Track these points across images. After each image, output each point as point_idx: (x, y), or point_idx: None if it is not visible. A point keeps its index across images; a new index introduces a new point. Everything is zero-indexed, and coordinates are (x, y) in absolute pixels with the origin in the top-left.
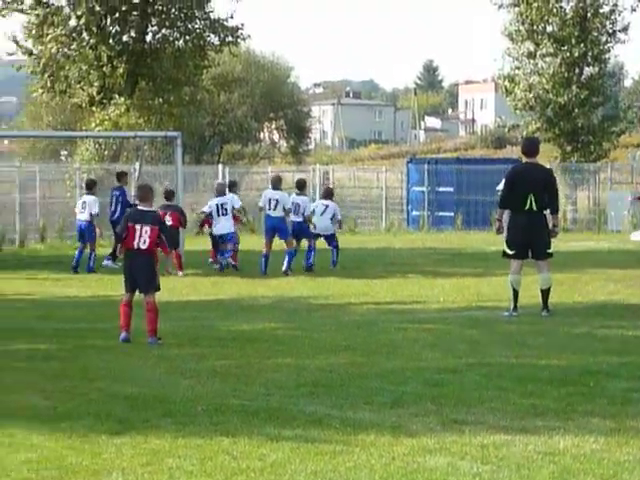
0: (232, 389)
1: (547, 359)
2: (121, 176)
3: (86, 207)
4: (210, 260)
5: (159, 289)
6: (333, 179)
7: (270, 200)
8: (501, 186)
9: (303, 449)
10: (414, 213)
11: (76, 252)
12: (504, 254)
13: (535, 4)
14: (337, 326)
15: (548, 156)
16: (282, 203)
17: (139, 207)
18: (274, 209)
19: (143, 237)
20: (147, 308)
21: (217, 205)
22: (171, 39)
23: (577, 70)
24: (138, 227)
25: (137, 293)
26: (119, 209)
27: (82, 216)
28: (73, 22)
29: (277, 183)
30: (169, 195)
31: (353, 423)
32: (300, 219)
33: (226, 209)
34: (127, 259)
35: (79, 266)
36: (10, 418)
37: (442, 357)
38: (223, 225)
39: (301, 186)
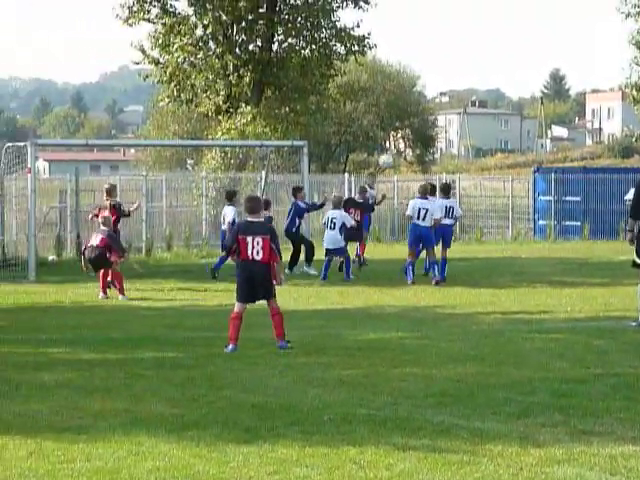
0: (359, 398)
1: None
2: (297, 191)
3: (225, 217)
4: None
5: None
6: (459, 188)
7: (420, 210)
8: (630, 196)
9: (430, 459)
10: (541, 222)
11: (217, 259)
12: (633, 264)
13: None
14: (464, 335)
15: None
16: (431, 213)
17: (248, 218)
18: (423, 219)
19: (256, 248)
20: (272, 313)
21: (328, 218)
22: (297, 48)
23: None
24: (249, 239)
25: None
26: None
27: (224, 226)
28: (200, 31)
29: (426, 192)
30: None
31: (481, 433)
32: (451, 222)
33: (334, 223)
34: (244, 270)
35: (217, 271)
36: (138, 426)
37: (570, 367)
38: (331, 239)
39: (447, 190)
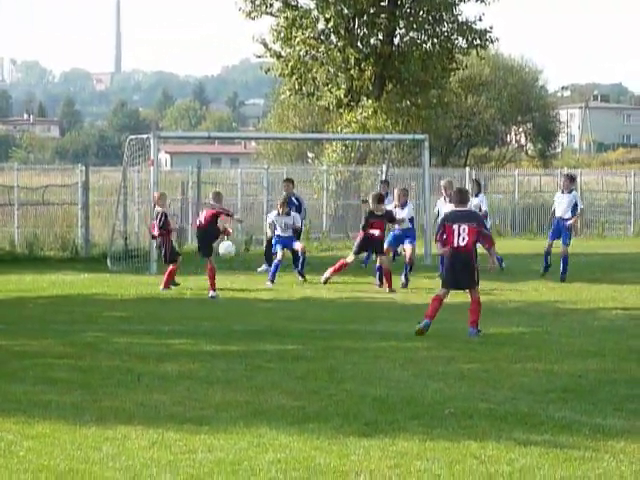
0: (480, 392)
1: None
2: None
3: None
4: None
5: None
6: (581, 183)
7: (559, 204)
8: None
9: (552, 454)
10: None
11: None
12: None
13: None
14: (585, 331)
15: None
16: (572, 205)
17: (457, 208)
18: (565, 212)
19: (462, 235)
20: (472, 301)
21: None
22: (419, 42)
23: None
24: (456, 227)
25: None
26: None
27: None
28: (321, 25)
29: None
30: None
31: (602, 430)
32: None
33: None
34: (450, 258)
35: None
36: (259, 418)
37: None
38: None
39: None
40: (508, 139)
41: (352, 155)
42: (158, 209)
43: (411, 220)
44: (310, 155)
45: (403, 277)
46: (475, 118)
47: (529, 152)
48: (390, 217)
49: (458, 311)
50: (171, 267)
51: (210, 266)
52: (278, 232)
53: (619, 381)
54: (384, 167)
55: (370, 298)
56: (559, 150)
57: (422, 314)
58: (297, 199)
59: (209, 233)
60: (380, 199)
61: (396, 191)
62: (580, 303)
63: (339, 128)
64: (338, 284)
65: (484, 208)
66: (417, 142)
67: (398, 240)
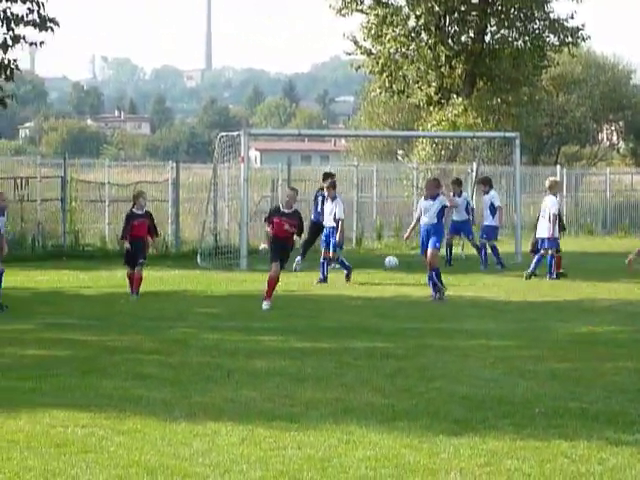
0: (571, 392)
1: None
2: None
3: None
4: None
5: None
6: None
7: None
8: None
9: None
10: None
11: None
12: None
13: None
14: None
15: None
16: None
17: None
18: None
19: None
20: None
21: (542, 208)
22: (510, 39)
23: None
24: None
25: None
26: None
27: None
28: (412, 22)
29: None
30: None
31: None
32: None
33: (545, 210)
34: None
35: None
36: (349, 415)
37: None
38: (540, 228)
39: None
40: (599, 137)
41: (442, 153)
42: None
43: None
44: (400, 153)
45: (431, 286)
46: (566, 116)
47: (621, 151)
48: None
49: (546, 309)
50: None
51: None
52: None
53: None
54: (475, 165)
55: (458, 296)
56: None
57: (509, 312)
58: (323, 197)
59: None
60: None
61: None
62: None
63: (429, 126)
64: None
65: (497, 203)
66: (508, 140)
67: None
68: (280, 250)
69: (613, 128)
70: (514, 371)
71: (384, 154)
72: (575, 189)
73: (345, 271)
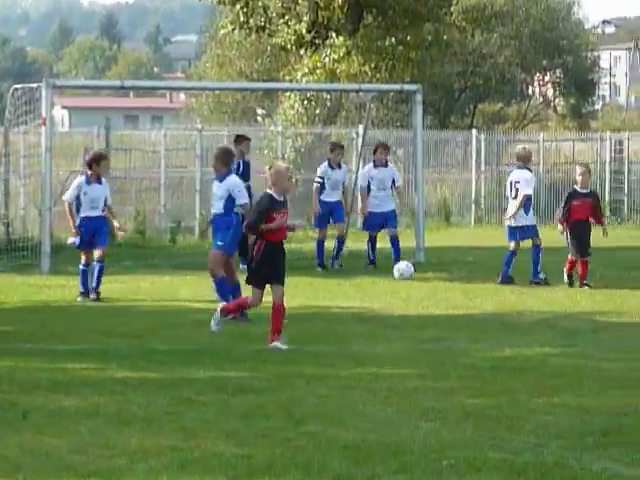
0: (490, 437)
1: None
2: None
3: None
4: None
5: None
6: (628, 152)
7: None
8: None
9: None
10: None
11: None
12: None
13: None
14: (635, 353)
15: None
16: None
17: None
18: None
19: None
20: None
21: (511, 183)
22: None
23: None
24: None
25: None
26: None
27: None
28: None
29: None
30: None
31: None
32: None
33: (517, 189)
34: None
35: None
36: (190, 470)
37: None
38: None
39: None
40: (530, 91)
41: (317, 112)
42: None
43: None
44: (260, 112)
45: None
46: (485, 63)
47: (558, 109)
48: None
49: (457, 325)
50: None
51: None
52: None
53: None
54: (361, 129)
55: (340, 308)
56: (599, 107)
57: (407, 329)
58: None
59: None
60: None
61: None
62: (628, 315)
63: (299, 75)
64: (296, 289)
65: (399, 182)
66: (406, 95)
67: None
68: (282, 262)
69: (548, 79)
70: (413, 409)
71: (238, 114)
72: (496, 161)
73: None
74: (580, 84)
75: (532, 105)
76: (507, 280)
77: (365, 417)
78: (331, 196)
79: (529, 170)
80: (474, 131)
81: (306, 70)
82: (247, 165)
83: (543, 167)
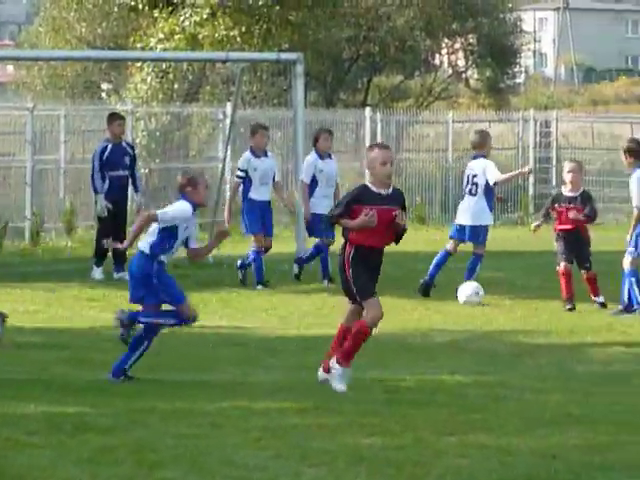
0: None
1: None
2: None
3: None
4: None
5: None
6: (556, 133)
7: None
8: None
9: None
10: None
11: None
12: None
13: None
14: (564, 382)
15: None
16: None
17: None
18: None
19: None
20: None
21: (468, 177)
22: None
23: None
24: None
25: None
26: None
27: None
28: None
29: None
30: None
31: None
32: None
33: (476, 183)
34: None
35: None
36: None
37: None
38: (463, 210)
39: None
40: (437, 61)
41: (175, 87)
42: None
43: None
44: (105, 87)
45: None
46: (381, 26)
47: (471, 83)
48: None
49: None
50: None
51: None
52: None
53: (617, 466)
54: (229, 107)
55: (204, 328)
56: (521, 80)
57: (285, 352)
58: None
59: None
60: None
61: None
62: (556, 335)
63: (153, 42)
64: None
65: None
66: (285, 65)
67: None
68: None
69: (459, 46)
70: (293, 452)
71: (78, 90)
72: (396, 146)
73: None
74: (498, 52)
75: (439, 78)
76: (429, 283)
77: (234, 462)
78: (261, 193)
79: (484, 157)
80: (368, 110)
81: (161, 36)
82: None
83: (452, 154)
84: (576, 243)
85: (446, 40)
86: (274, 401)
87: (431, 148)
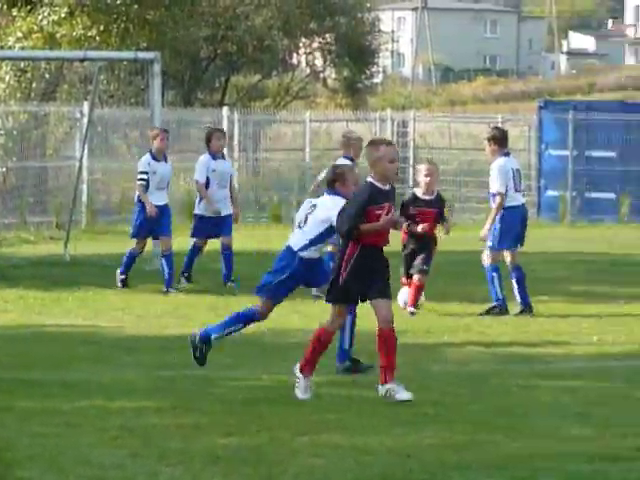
0: None
1: None
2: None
3: None
4: None
5: None
6: (414, 133)
7: None
8: None
9: None
10: (550, 193)
11: None
12: None
13: None
14: (419, 382)
15: None
16: None
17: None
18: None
19: None
20: None
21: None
22: None
23: None
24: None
25: None
26: None
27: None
28: None
29: None
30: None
31: None
32: None
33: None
34: None
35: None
36: None
37: (597, 435)
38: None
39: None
40: (295, 61)
41: (33, 86)
42: None
43: None
44: None
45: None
46: (239, 26)
47: (329, 83)
48: None
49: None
50: None
51: None
52: None
53: (474, 465)
54: (86, 106)
55: (59, 326)
56: (379, 80)
57: (148, 351)
58: None
59: None
60: None
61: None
62: (412, 335)
63: (11, 41)
64: (6, 303)
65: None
66: (142, 64)
67: None
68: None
69: (316, 46)
70: (151, 451)
71: None
72: (253, 148)
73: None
74: (355, 52)
75: (297, 77)
76: None
77: (90, 462)
78: (157, 197)
79: (506, 155)
80: (225, 109)
81: (20, 34)
82: None
83: (310, 153)
84: (424, 246)
85: (304, 39)
86: (131, 400)
87: (289, 147)
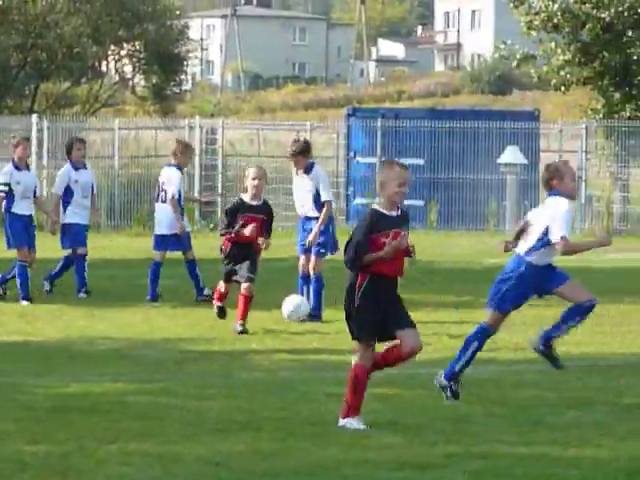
0: None
1: (571, 448)
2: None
3: None
4: None
5: None
6: (223, 141)
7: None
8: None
9: None
10: (358, 201)
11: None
12: None
13: None
14: (228, 389)
15: (584, 108)
16: None
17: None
18: None
19: None
20: None
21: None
22: None
23: None
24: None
25: None
26: None
27: None
28: None
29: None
30: None
31: None
32: None
33: (165, 191)
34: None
35: None
36: None
37: (407, 443)
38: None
39: None
40: (104, 68)
41: None
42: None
43: None
44: None
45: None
46: (49, 33)
47: (138, 90)
48: None
49: (11, 356)
50: None
51: None
52: None
53: (284, 472)
54: None
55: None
56: (188, 87)
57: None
58: None
59: None
60: None
61: None
62: (219, 342)
63: None
64: None
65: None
66: None
67: None
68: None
69: (125, 53)
70: None
71: None
72: (62, 156)
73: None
74: (164, 59)
75: (106, 85)
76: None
77: None
78: (22, 208)
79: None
80: (35, 116)
81: None
82: None
83: (119, 161)
84: (248, 253)
85: (113, 47)
86: None
87: (98, 155)
